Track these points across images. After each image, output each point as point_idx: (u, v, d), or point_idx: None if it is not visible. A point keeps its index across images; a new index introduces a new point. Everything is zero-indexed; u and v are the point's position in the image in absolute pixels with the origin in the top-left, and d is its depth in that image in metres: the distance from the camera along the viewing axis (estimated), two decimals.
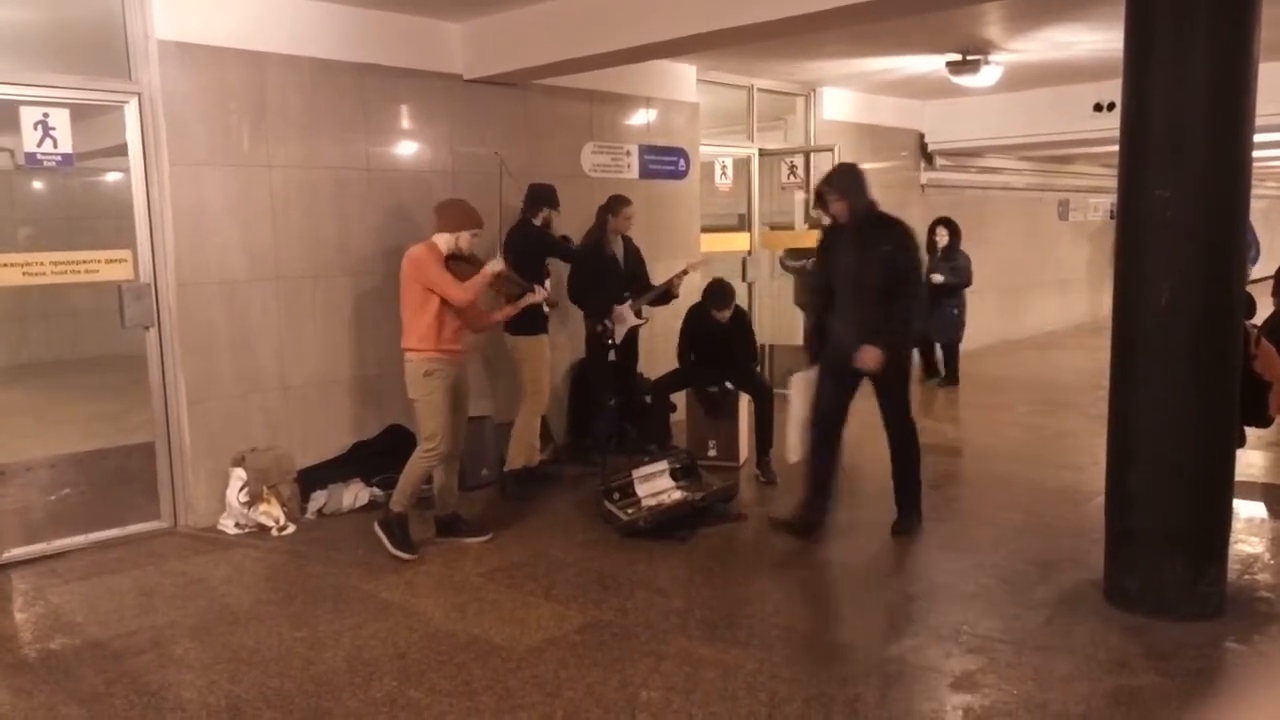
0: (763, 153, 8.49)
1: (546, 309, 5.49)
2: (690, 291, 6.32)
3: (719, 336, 6.00)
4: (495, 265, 4.70)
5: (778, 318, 9.17)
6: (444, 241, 4.64)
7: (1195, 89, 3.55)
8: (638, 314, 6.20)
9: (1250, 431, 5.18)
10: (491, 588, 4.24)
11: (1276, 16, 4.19)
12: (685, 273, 6.32)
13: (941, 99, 9.59)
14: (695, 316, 6.11)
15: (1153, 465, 3.77)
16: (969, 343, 8.87)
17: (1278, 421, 5.70)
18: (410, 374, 4.63)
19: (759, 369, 6.53)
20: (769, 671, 3.37)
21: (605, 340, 5.98)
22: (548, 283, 5.60)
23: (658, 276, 6.56)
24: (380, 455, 5.57)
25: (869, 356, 4.48)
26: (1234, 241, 3.69)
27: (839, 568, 4.45)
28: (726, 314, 5.93)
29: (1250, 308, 4.77)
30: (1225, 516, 3.81)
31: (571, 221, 6.29)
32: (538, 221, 5.72)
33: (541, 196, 5.75)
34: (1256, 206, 4.12)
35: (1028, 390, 8.91)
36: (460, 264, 4.66)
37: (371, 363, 5.70)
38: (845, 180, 4.67)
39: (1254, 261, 7.61)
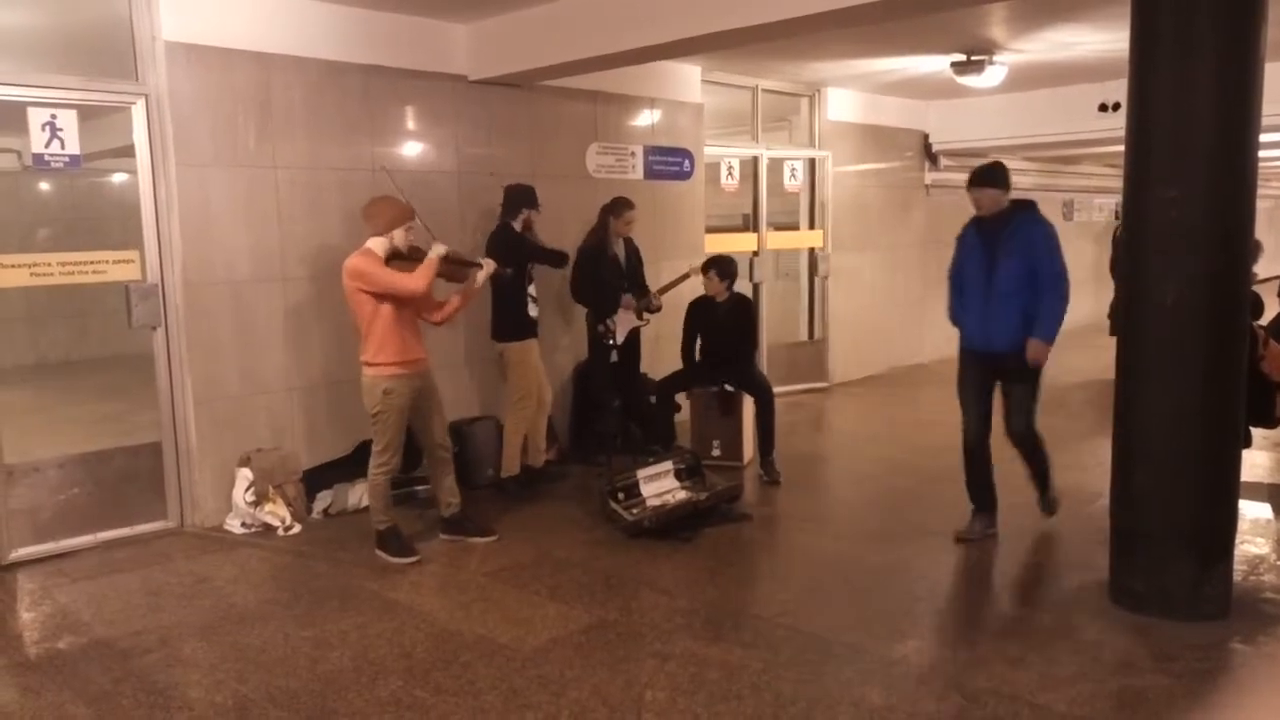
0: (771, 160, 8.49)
1: (538, 294, 5.42)
2: (693, 293, 6.31)
3: (720, 323, 6.02)
4: (438, 249, 4.54)
5: (784, 317, 9.19)
6: (378, 245, 4.50)
7: (1201, 89, 3.55)
8: (639, 315, 6.21)
9: (1256, 433, 5.17)
10: (497, 587, 4.25)
11: None
12: (686, 276, 6.32)
13: (946, 99, 9.59)
14: (697, 306, 6.17)
15: (1158, 466, 3.77)
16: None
17: None
18: (367, 388, 4.53)
19: (760, 369, 6.51)
20: (774, 672, 3.38)
21: (605, 341, 5.98)
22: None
23: (661, 277, 6.56)
24: None
25: None
26: (1240, 242, 3.68)
27: (843, 569, 4.44)
28: (722, 288, 6.01)
29: (1257, 308, 4.75)
30: (1231, 517, 3.81)
31: (575, 222, 6.29)
32: (517, 225, 5.59)
33: (519, 198, 5.59)
34: (1261, 207, 4.11)
35: None
36: (402, 262, 4.52)
37: None
38: None
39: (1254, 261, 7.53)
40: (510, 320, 5.53)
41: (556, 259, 5.81)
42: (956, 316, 4.83)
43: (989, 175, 4.58)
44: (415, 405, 4.60)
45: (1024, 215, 4.55)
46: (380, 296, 4.42)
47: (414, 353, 4.57)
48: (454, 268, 4.70)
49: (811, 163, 8.86)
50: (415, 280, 4.41)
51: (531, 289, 5.58)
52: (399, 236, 4.52)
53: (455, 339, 5.96)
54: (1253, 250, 3.79)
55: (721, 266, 6.07)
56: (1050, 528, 4.92)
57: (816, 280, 9.02)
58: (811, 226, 8.97)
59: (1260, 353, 4.80)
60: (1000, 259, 4.50)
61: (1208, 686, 3.24)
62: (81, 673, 3.50)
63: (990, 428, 4.70)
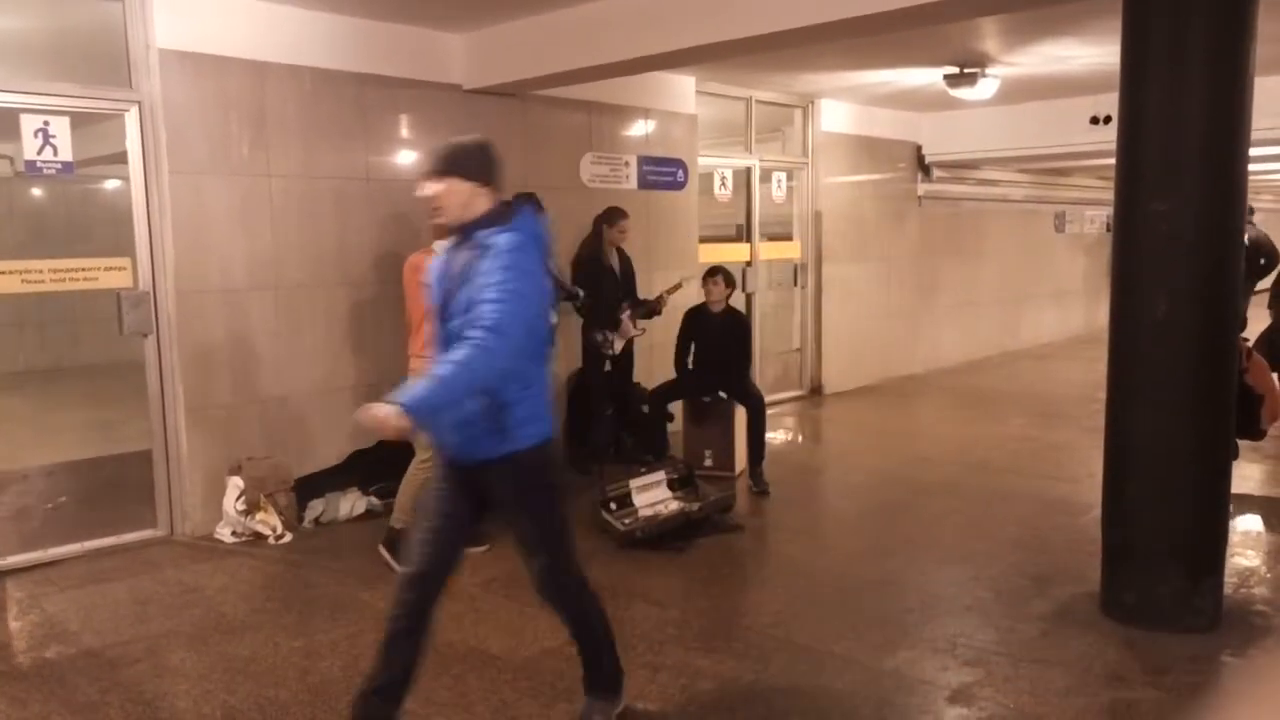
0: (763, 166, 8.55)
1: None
2: (686, 303, 6.33)
3: (715, 335, 6.04)
4: None
5: (776, 327, 9.21)
6: (442, 248, 4.63)
7: (1191, 103, 3.57)
8: (634, 324, 6.21)
9: (1243, 444, 5.20)
10: (488, 598, 4.24)
11: (1272, 32, 4.21)
12: (679, 286, 6.33)
13: (939, 111, 9.63)
14: (693, 317, 6.19)
15: (1149, 478, 3.78)
16: (964, 354, 8.90)
17: (1272, 434, 5.72)
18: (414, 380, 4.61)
19: (754, 380, 6.51)
20: (765, 683, 3.37)
21: (603, 351, 5.98)
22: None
23: (654, 286, 6.58)
24: (378, 464, 5.56)
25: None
26: (1230, 255, 3.71)
27: (835, 580, 4.44)
28: (719, 295, 6.05)
29: (1240, 321, 4.79)
30: (1222, 530, 3.83)
31: (570, 232, 6.30)
32: None
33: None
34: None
35: (1024, 402, 8.91)
36: None
37: (370, 371, 5.70)
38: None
39: None
40: None
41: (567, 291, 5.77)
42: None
43: (453, 159, 2.73)
44: None
45: (506, 222, 2.73)
46: None
47: None
48: None
49: (804, 172, 8.91)
50: None
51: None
52: None
53: None
54: None
55: (727, 273, 6.18)
56: (1041, 539, 4.93)
57: (797, 291, 9.13)
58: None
59: (1244, 365, 4.83)
60: (455, 297, 2.75)
61: (1198, 699, 3.24)
62: (69, 682, 3.47)
63: (450, 570, 2.91)
